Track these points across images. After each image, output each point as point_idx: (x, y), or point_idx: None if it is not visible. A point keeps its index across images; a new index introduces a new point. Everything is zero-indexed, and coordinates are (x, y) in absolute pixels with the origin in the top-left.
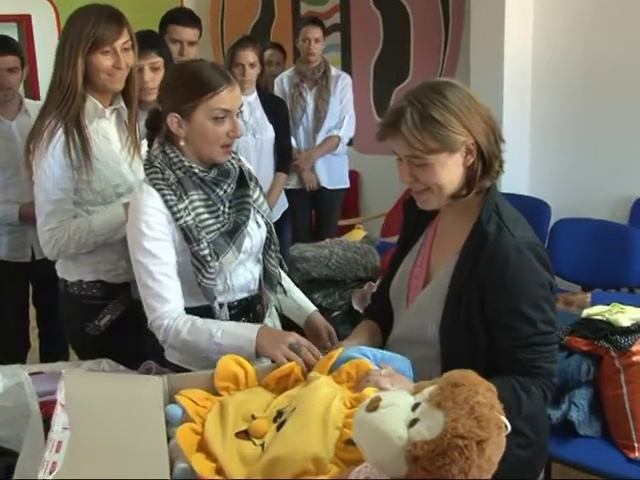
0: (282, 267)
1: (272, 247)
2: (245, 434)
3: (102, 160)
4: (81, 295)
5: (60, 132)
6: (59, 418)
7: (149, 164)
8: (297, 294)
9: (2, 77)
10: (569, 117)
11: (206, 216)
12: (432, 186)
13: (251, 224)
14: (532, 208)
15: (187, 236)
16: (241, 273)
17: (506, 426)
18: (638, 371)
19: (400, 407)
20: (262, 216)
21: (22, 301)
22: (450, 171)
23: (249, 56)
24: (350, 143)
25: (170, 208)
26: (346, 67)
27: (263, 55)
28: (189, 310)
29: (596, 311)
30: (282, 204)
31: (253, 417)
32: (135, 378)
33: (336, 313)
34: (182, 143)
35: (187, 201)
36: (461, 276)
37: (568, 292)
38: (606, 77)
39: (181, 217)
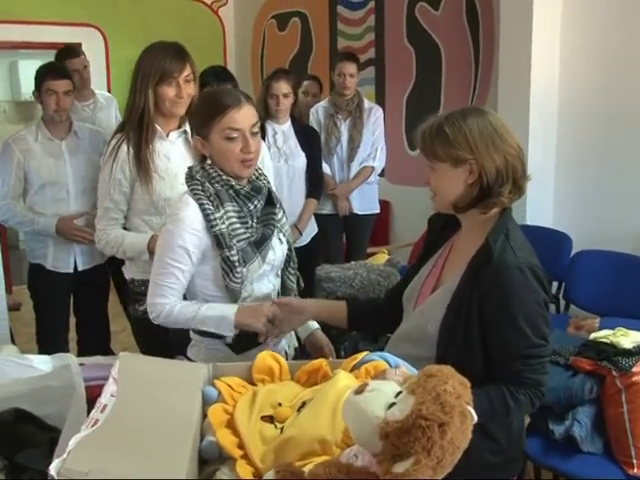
0: (299, 284)
1: (291, 264)
2: (270, 418)
3: (159, 175)
4: (134, 291)
5: (122, 149)
6: (109, 387)
7: (190, 178)
8: None
9: (61, 99)
10: (594, 152)
11: (238, 226)
12: (436, 190)
13: (274, 240)
14: (554, 240)
15: (220, 242)
16: (264, 284)
17: (472, 416)
18: (638, 391)
19: (383, 392)
20: (284, 235)
21: (64, 309)
22: (450, 181)
23: (282, 87)
24: (382, 174)
25: (207, 216)
26: (380, 100)
27: (297, 86)
28: None
29: (602, 334)
30: (312, 229)
31: (280, 405)
32: (183, 363)
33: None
34: (208, 162)
35: (222, 211)
36: (465, 286)
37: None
38: (631, 113)
39: (216, 225)
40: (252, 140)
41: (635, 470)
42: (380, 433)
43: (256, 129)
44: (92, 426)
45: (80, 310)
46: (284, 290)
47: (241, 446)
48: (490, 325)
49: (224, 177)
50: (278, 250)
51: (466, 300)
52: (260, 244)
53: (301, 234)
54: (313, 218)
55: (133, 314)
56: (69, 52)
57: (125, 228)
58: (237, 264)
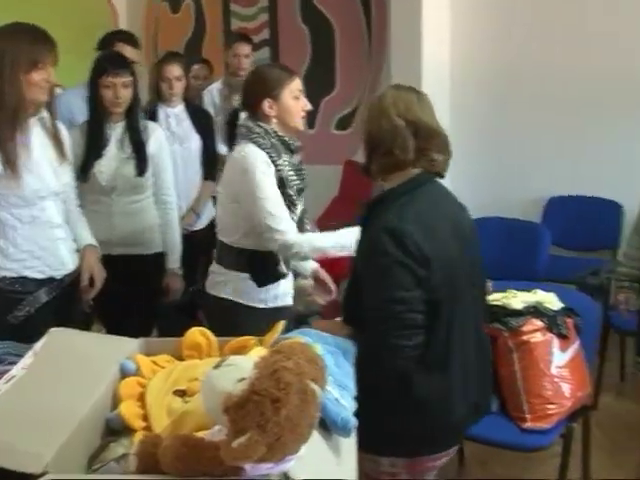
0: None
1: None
2: (182, 393)
3: (27, 167)
4: (6, 290)
5: None
6: (25, 360)
7: (250, 132)
8: None
9: None
10: (485, 124)
11: (291, 173)
12: None
13: None
14: None
15: (283, 182)
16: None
17: (316, 394)
18: (528, 349)
19: (238, 367)
20: None
21: None
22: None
23: (175, 70)
24: None
25: (274, 161)
26: None
27: (189, 69)
28: (249, 251)
29: (493, 297)
30: (210, 211)
31: (196, 379)
32: (113, 338)
33: None
34: (274, 121)
35: (282, 160)
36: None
37: None
38: (520, 86)
39: (281, 169)
40: None
41: (528, 424)
42: (222, 407)
43: None
44: None
45: None
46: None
47: (145, 418)
48: None
49: (280, 133)
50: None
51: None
52: (301, 192)
53: (199, 217)
54: (211, 201)
55: (12, 322)
56: None
57: None
58: (294, 198)
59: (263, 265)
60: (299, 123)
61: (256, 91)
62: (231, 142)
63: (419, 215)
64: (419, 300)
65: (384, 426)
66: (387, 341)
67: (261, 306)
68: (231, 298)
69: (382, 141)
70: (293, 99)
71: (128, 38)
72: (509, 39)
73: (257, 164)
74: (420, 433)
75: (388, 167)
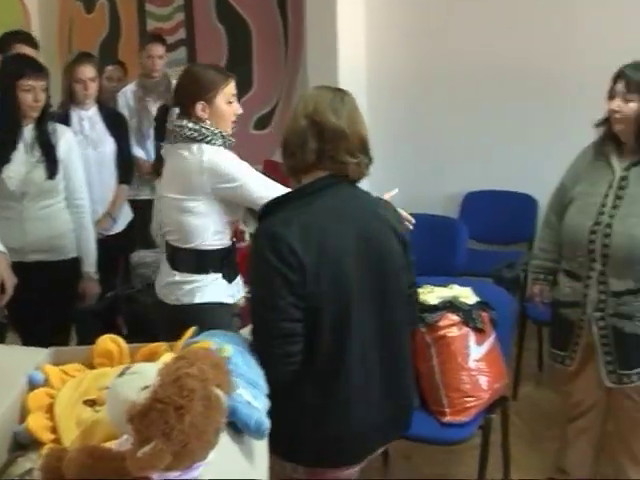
0: None
1: None
2: (92, 402)
3: None
4: None
5: None
6: None
7: (200, 134)
8: None
9: None
10: (402, 122)
11: None
12: None
13: None
14: None
15: None
16: None
17: (220, 400)
18: (445, 344)
19: (142, 375)
20: None
21: None
22: None
23: (88, 71)
24: None
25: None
26: None
27: (102, 70)
28: (216, 251)
29: None
30: (127, 215)
31: (107, 388)
32: (19, 349)
33: None
34: (207, 122)
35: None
36: None
37: None
38: (433, 87)
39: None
40: None
41: (447, 417)
42: (127, 417)
43: None
44: None
45: None
46: None
47: (54, 430)
48: None
49: (224, 133)
50: None
51: None
52: None
53: (115, 221)
54: (127, 204)
55: None
56: None
57: None
58: None
59: (230, 261)
60: (229, 127)
61: (190, 92)
62: (160, 137)
63: (310, 219)
64: (295, 308)
65: (284, 431)
66: (268, 348)
67: (231, 301)
68: (206, 301)
69: (288, 142)
70: (226, 104)
71: (27, 38)
72: (423, 43)
73: (228, 159)
74: (318, 441)
75: (292, 169)
